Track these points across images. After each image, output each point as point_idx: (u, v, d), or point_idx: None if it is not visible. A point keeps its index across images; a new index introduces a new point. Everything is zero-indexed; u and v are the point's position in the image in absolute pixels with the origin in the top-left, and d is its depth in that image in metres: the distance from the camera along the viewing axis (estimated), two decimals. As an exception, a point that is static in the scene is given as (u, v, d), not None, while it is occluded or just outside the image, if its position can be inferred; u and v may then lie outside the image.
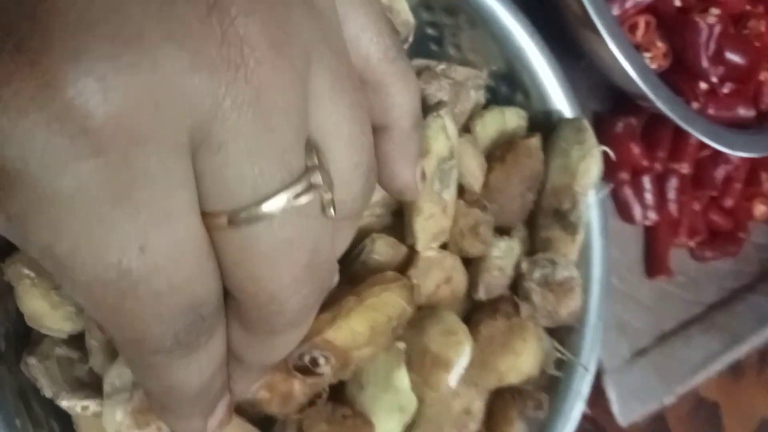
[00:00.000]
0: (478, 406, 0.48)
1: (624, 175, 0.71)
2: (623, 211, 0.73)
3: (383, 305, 0.41)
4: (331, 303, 0.41)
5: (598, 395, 0.70)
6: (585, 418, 0.72)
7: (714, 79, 0.64)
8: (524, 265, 0.46)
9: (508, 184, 0.47)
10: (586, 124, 0.47)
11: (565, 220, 0.46)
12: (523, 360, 0.46)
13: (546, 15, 0.53)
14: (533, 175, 0.47)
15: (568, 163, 0.46)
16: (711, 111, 0.68)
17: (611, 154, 0.47)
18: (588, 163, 0.46)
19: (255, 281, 0.24)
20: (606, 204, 0.51)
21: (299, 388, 0.40)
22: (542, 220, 0.48)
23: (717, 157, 0.76)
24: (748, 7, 0.68)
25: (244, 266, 0.24)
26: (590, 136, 0.46)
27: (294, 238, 0.24)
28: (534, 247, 0.48)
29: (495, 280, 0.46)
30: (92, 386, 0.38)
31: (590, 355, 0.51)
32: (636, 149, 0.71)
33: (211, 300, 0.24)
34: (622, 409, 0.69)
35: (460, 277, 0.46)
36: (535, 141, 0.47)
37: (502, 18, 0.48)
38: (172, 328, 0.23)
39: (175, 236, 0.22)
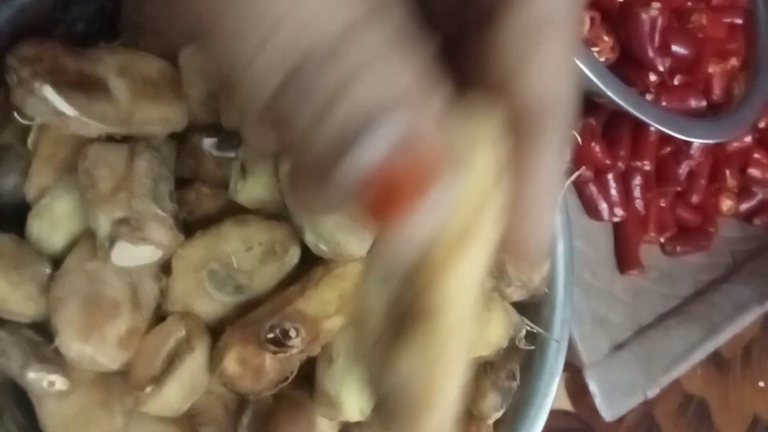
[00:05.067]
0: (451, 380, 0.48)
1: (588, 173, 0.72)
2: (590, 209, 0.74)
3: (350, 274, 0.42)
4: (300, 276, 0.42)
5: (581, 392, 0.70)
6: (571, 416, 0.73)
7: (662, 69, 0.67)
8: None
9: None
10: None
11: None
12: (490, 330, 0.46)
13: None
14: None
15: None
16: (664, 102, 0.70)
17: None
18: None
19: None
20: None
21: (270, 362, 0.41)
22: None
23: (678, 153, 0.78)
24: (689, 3, 0.71)
25: None
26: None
27: None
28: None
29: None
30: (59, 365, 0.38)
31: (562, 330, 0.51)
32: (597, 148, 0.72)
33: None
34: (605, 403, 0.69)
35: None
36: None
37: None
38: None
39: None
